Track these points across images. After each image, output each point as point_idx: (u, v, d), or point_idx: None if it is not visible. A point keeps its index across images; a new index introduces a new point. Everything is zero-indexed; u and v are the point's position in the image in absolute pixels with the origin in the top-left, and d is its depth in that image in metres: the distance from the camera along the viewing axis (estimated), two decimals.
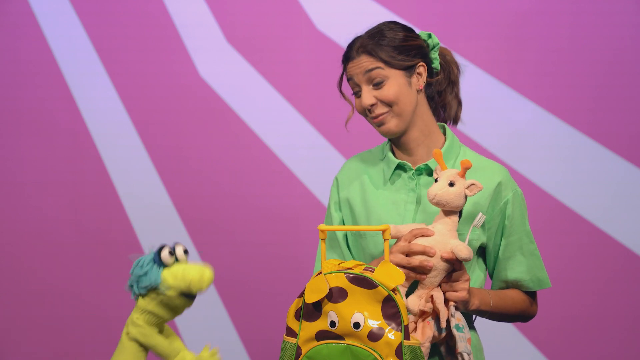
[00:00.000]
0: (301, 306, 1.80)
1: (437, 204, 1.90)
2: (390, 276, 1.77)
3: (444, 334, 1.91)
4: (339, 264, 1.82)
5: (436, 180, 1.92)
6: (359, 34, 2.13)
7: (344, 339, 1.76)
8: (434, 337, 1.90)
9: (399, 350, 1.73)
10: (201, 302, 3.65)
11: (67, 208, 3.68)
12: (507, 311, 2.09)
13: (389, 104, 2.08)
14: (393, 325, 1.74)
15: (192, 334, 3.63)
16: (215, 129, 3.68)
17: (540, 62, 3.59)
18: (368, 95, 2.09)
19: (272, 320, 3.56)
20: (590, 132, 3.58)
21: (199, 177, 3.68)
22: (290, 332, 1.80)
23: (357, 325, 1.75)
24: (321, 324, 1.78)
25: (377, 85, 2.08)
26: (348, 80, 2.13)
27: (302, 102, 3.67)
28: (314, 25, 3.66)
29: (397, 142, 2.15)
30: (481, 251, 2.14)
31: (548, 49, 3.59)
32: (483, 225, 2.09)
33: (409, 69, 2.10)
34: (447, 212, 1.92)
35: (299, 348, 1.79)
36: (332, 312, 1.77)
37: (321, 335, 1.77)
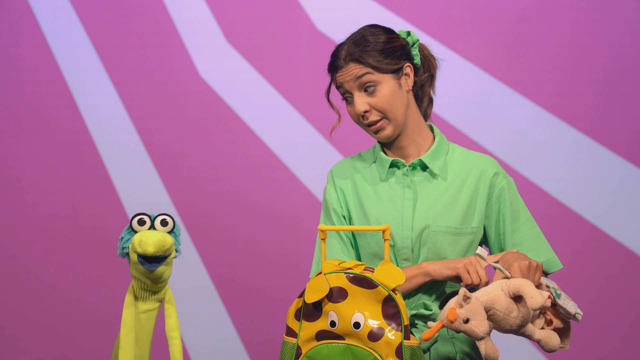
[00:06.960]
0: (301, 306, 1.80)
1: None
2: (390, 276, 1.77)
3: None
4: (339, 264, 1.82)
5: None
6: (341, 42, 2.15)
7: (344, 339, 1.76)
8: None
9: (399, 350, 1.73)
10: (201, 300, 3.66)
11: (65, 205, 3.68)
12: None
13: (382, 111, 2.09)
14: (393, 325, 1.75)
15: (191, 333, 3.63)
16: (213, 126, 3.67)
17: (540, 59, 3.59)
18: (361, 102, 2.10)
19: (272, 320, 3.56)
20: (589, 131, 3.58)
21: (197, 174, 3.67)
22: (290, 332, 1.81)
23: (357, 325, 1.75)
24: (321, 324, 1.78)
25: (369, 90, 2.09)
26: (338, 87, 2.14)
27: (301, 100, 3.67)
28: (313, 24, 3.66)
29: (389, 143, 2.17)
30: (482, 238, 2.17)
31: (547, 46, 3.59)
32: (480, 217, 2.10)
33: (397, 72, 2.12)
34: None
35: (299, 348, 1.79)
36: (332, 312, 1.77)
37: (321, 335, 1.78)
